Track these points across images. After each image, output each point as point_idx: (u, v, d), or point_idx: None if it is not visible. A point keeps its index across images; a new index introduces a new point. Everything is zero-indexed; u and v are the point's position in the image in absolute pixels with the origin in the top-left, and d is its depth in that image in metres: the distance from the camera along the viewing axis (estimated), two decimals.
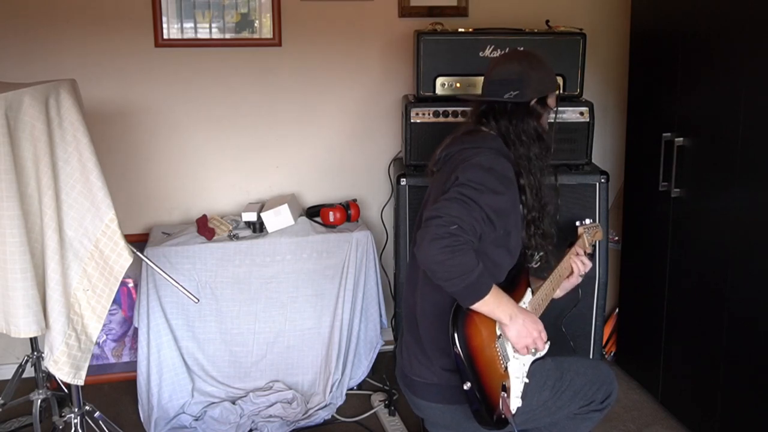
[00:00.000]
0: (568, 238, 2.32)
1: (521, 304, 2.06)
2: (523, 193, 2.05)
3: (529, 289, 2.12)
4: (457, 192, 1.87)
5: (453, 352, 1.91)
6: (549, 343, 2.09)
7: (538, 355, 2.08)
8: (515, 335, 1.95)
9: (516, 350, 2.00)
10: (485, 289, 1.86)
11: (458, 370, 1.93)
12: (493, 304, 1.89)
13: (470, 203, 1.85)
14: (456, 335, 1.90)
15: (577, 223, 2.35)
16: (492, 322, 1.96)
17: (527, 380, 2.03)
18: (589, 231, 2.34)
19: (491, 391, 1.94)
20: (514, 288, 2.06)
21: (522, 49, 2.23)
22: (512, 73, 2.08)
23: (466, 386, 1.91)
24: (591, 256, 2.34)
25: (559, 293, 2.24)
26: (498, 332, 1.98)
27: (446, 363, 2.01)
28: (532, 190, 2.06)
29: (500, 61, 2.16)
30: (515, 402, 2.00)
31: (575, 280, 2.26)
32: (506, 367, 1.99)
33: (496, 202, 1.91)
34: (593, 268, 2.94)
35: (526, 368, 2.05)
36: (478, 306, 1.88)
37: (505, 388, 1.97)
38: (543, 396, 2.09)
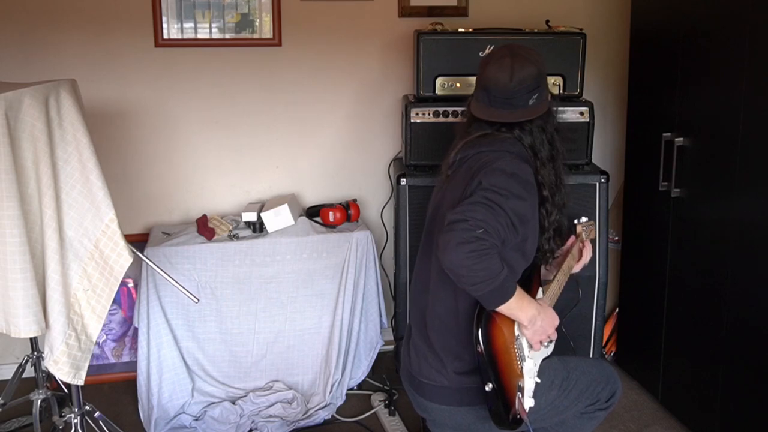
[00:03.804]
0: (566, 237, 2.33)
1: None
2: (543, 194, 2.04)
3: (540, 289, 2.14)
4: (482, 196, 1.85)
5: (476, 351, 1.92)
6: (554, 342, 2.10)
7: (544, 354, 2.09)
8: (531, 335, 1.98)
9: (530, 346, 2.01)
10: (510, 293, 1.86)
11: (479, 370, 1.94)
12: (515, 307, 1.89)
13: (495, 208, 1.83)
14: (480, 335, 1.90)
15: (575, 221, 2.36)
16: (512, 322, 1.97)
17: (538, 380, 2.04)
18: (587, 229, 2.37)
19: (509, 391, 1.95)
20: (528, 287, 2.06)
21: (506, 47, 2.08)
22: (531, 77, 2.01)
23: (488, 387, 1.92)
24: None
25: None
26: (516, 332, 1.99)
27: (458, 366, 2.01)
28: (551, 192, 2.05)
29: (515, 67, 2.00)
30: (528, 401, 2.01)
31: (578, 267, 2.30)
32: (522, 367, 2.00)
33: (519, 208, 1.89)
34: (593, 269, 2.96)
35: (537, 368, 2.06)
36: (500, 308, 1.89)
37: (521, 388, 1.98)
38: (551, 395, 2.09)
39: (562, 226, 2.13)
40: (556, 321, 2.01)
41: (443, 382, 2.03)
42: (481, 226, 1.79)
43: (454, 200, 1.96)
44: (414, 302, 2.19)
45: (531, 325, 1.94)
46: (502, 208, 1.84)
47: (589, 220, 2.41)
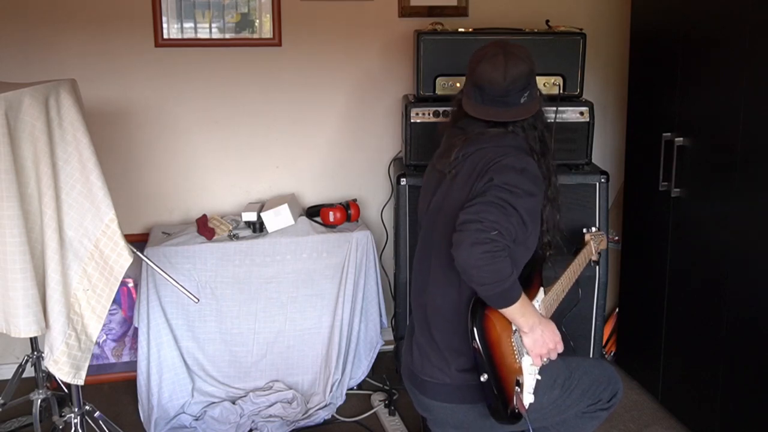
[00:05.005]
0: (573, 245, 2.33)
1: (534, 302, 2.07)
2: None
3: (541, 289, 2.13)
4: (494, 196, 1.86)
5: (472, 346, 1.92)
6: None
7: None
8: (531, 344, 1.97)
9: (530, 356, 2.00)
10: (516, 296, 1.87)
11: (475, 365, 1.94)
12: (518, 312, 1.90)
13: (508, 208, 1.84)
14: (475, 329, 1.91)
15: (584, 230, 2.37)
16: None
17: (539, 377, 2.04)
18: (596, 239, 2.37)
19: (506, 385, 1.96)
20: (528, 286, 2.06)
21: (497, 44, 2.06)
22: (524, 75, 2.01)
23: (483, 378, 1.92)
24: (596, 263, 2.36)
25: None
26: (514, 327, 1.99)
27: (461, 363, 2.01)
28: (545, 186, 2.06)
29: (508, 65, 1.99)
30: (528, 397, 2.01)
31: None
32: (520, 363, 2.00)
33: (530, 205, 1.91)
34: (593, 268, 2.96)
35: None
36: (504, 311, 1.89)
37: (519, 383, 1.98)
38: (554, 394, 2.10)
39: (554, 219, 2.15)
40: (557, 335, 2.00)
41: (446, 380, 2.04)
42: (495, 228, 1.80)
43: (461, 199, 1.96)
44: (415, 301, 2.19)
45: (531, 333, 1.95)
46: (515, 208, 1.85)
47: (599, 230, 2.42)
